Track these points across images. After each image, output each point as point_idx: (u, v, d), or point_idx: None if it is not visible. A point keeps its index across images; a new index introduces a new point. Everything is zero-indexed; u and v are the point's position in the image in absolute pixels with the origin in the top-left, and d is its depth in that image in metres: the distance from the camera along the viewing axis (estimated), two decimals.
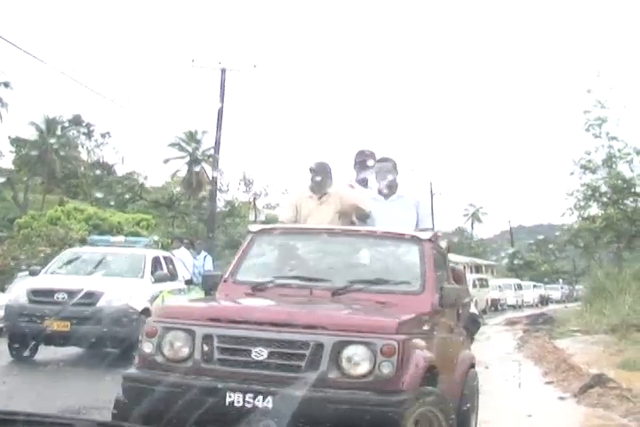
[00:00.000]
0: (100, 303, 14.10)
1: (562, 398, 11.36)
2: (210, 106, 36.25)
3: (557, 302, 64.87)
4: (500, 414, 10.22)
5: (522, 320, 33.69)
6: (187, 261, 19.64)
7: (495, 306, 49.11)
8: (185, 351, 6.12)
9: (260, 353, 5.98)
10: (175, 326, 6.24)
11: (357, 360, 5.94)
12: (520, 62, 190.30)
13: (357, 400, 5.78)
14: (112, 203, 58.92)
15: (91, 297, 14.12)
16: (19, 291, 15.13)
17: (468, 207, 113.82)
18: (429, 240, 7.52)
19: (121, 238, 18.92)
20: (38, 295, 14.40)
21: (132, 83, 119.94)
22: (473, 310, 9.16)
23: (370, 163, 9.35)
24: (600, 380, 11.46)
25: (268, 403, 5.75)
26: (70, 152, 77.95)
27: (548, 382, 13.06)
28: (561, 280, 78.56)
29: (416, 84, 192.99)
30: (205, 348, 6.05)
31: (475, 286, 44.40)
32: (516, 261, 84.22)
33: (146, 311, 14.06)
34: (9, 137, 75.98)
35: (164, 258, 17.31)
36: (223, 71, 36.05)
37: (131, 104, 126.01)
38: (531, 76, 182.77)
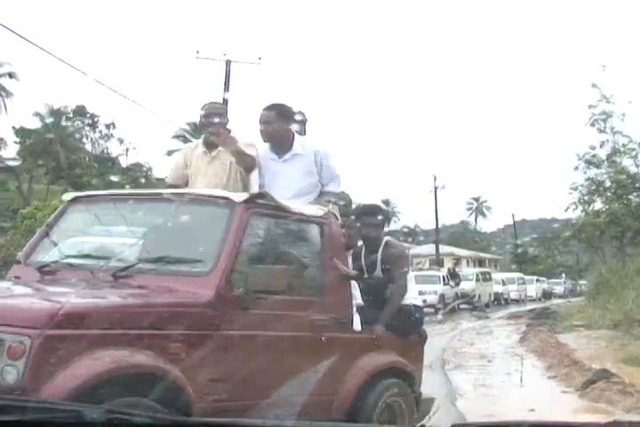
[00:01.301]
0: None
1: (565, 393, 11.38)
2: (215, 98, 36.01)
3: (560, 296, 64.86)
4: (503, 408, 10.24)
5: (525, 314, 33.68)
6: None
7: (498, 300, 49.09)
8: None
9: None
10: None
11: None
12: (525, 56, 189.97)
13: None
14: None
15: None
16: None
17: (472, 201, 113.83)
18: (246, 203, 5.84)
19: None
20: None
21: (136, 74, 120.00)
22: (413, 301, 7.40)
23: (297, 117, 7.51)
24: (603, 375, 11.46)
25: None
26: (75, 143, 78.04)
27: (551, 377, 13.07)
28: (564, 275, 78.41)
29: (421, 77, 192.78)
30: None
31: (478, 279, 44.55)
32: (519, 250, 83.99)
33: None
34: (13, 127, 76.02)
35: None
36: (228, 63, 35.96)
37: (135, 95, 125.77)
38: (536, 70, 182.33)
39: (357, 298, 6.73)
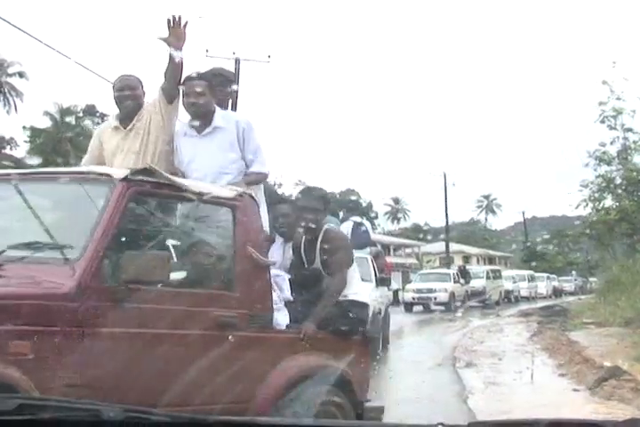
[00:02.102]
0: None
1: (576, 391, 11.34)
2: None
3: (571, 293, 64.61)
4: (514, 405, 10.21)
5: (535, 312, 33.61)
6: None
7: (508, 298, 49.02)
8: None
9: None
10: None
11: None
12: (536, 54, 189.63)
13: None
14: None
15: None
16: None
17: (482, 199, 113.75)
18: (128, 181, 5.06)
19: None
20: None
21: (145, 72, 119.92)
22: (355, 297, 6.49)
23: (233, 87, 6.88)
24: (615, 372, 11.42)
25: None
26: (84, 142, 78.10)
27: (562, 375, 13.04)
28: (574, 272, 78.24)
29: (432, 75, 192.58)
30: None
31: (488, 277, 44.50)
32: (530, 248, 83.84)
33: None
34: (23, 127, 76.12)
35: None
36: (237, 61, 35.89)
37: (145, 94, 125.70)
38: (546, 67, 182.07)
39: (285, 292, 6.14)
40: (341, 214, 19.51)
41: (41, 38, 21.86)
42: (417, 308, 38.31)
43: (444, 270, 45.48)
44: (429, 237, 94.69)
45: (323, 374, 5.67)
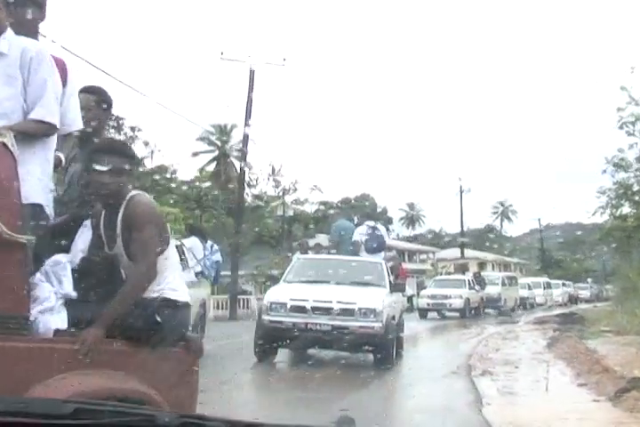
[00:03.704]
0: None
1: (596, 402, 10.99)
2: (240, 99, 35.79)
3: (587, 301, 64.26)
4: (533, 416, 9.90)
5: (551, 319, 33.24)
6: (197, 252, 17.51)
7: (524, 305, 48.74)
8: None
9: None
10: None
11: None
12: (554, 59, 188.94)
13: None
14: None
15: None
16: None
17: (498, 205, 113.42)
18: None
19: None
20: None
21: (161, 76, 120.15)
22: (171, 294, 4.75)
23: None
24: (637, 383, 11.07)
25: None
26: None
27: (581, 385, 12.67)
28: (590, 279, 77.94)
29: (448, 80, 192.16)
30: None
31: (504, 284, 44.15)
32: (545, 254, 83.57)
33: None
34: None
35: (176, 247, 15.71)
36: (252, 64, 35.70)
37: (160, 97, 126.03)
38: (564, 72, 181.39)
39: (65, 285, 4.51)
40: (356, 219, 19.33)
41: (54, 39, 21.43)
42: (431, 314, 38.01)
43: (460, 277, 45.15)
44: (445, 242, 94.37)
45: (112, 398, 3.83)
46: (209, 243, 18.48)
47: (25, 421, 2.49)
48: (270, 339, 14.23)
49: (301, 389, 11.12)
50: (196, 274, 15.97)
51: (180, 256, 15.02)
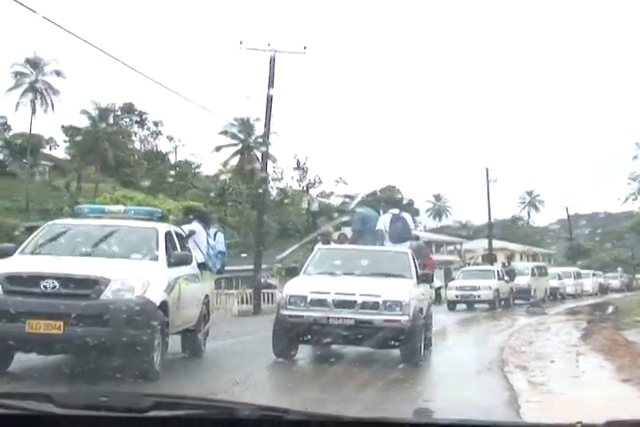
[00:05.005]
0: (106, 295, 10.52)
1: None
2: (263, 91, 35.06)
3: (617, 290, 63.57)
4: (576, 416, 9.01)
5: (583, 310, 32.38)
6: (200, 240, 15.52)
7: (554, 295, 47.97)
8: None
9: None
10: None
11: None
12: (577, 44, 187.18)
13: None
14: (160, 192, 58.53)
15: (93, 286, 10.59)
16: None
17: (525, 195, 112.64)
18: None
19: (120, 208, 14.99)
20: (16, 284, 10.67)
21: (183, 70, 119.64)
22: None
23: None
24: None
25: None
26: (122, 141, 77.94)
27: (625, 380, 11.71)
28: (620, 269, 77.21)
29: (474, 69, 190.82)
30: None
31: (534, 274, 43.40)
32: (574, 244, 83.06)
33: (164, 306, 11.17)
34: (62, 126, 75.97)
35: (177, 235, 13.67)
36: (273, 53, 34.94)
37: (182, 91, 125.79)
38: (591, 59, 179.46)
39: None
40: (381, 211, 18.37)
41: (77, 34, 20.73)
42: (460, 306, 37.22)
43: (488, 267, 44.38)
44: (472, 233, 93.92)
45: None
46: (212, 230, 16.68)
47: (107, 415, 2.62)
48: (289, 335, 13.28)
49: (321, 388, 10.24)
50: (199, 265, 14.34)
51: (182, 245, 13.67)
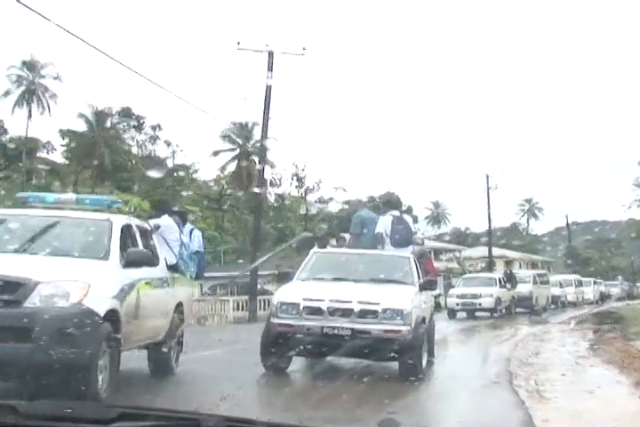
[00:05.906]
0: (32, 302, 8.44)
1: None
2: (261, 96, 34.40)
3: (617, 298, 63.11)
4: None
5: (588, 318, 31.65)
6: (171, 238, 13.35)
7: (556, 303, 47.46)
8: None
9: None
10: None
11: None
12: (579, 50, 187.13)
13: None
14: (157, 197, 57.75)
15: (14, 290, 8.48)
16: None
17: (524, 203, 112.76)
18: None
19: (71, 196, 12.33)
20: None
21: (182, 71, 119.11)
22: None
23: None
24: None
25: None
26: (120, 145, 77.36)
27: None
28: (620, 277, 77.08)
29: (474, 77, 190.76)
30: None
31: (535, 282, 42.77)
32: (572, 252, 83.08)
33: (113, 317, 9.06)
34: (60, 130, 75.35)
35: (140, 229, 11.44)
36: (270, 54, 34.27)
37: (181, 94, 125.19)
38: (593, 67, 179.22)
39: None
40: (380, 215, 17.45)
41: (78, 35, 19.99)
42: (460, 314, 36.45)
43: (489, 275, 43.76)
44: (471, 241, 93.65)
45: None
46: (188, 226, 14.64)
47: (72, 426, 2.63)
48: (280, 345, 12.19)
49: (314, 406, 9.30)
50: (170, 267, 12.35)
51: (145, 243, 11.50)
